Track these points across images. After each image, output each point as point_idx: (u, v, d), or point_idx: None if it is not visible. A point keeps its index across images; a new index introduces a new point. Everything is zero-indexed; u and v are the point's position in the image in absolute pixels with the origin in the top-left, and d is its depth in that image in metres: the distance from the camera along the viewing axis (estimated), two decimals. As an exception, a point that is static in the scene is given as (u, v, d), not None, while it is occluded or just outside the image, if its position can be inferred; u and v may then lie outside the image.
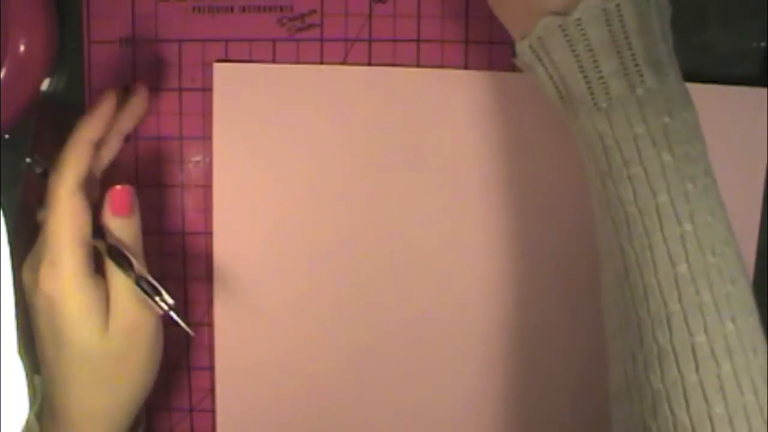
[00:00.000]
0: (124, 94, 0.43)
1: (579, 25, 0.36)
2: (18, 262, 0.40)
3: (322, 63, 0.46)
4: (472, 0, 0.45)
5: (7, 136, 0.46)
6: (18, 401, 0.37)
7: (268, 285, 0.47)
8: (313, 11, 0.45)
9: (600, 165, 0.36)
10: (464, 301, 0.46)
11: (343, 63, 0.46)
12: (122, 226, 0.41)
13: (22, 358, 0.37)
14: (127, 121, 0.43)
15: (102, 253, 0.40)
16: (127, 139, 0.44)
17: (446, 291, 0.47)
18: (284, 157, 0.46)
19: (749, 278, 0.45)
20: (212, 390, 0.48)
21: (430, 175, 0.46)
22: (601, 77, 0.36)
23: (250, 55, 0.46)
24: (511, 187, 0.46)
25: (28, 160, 0.41)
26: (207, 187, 0.46)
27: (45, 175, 0.41)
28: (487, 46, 0.45)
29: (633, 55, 0.35)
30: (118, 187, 0.41)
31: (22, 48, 0.43)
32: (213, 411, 0.48)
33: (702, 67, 0.46)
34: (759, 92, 0.45)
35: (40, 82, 0.46)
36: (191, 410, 0.49)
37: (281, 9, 0.45)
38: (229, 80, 0.45)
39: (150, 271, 0.41)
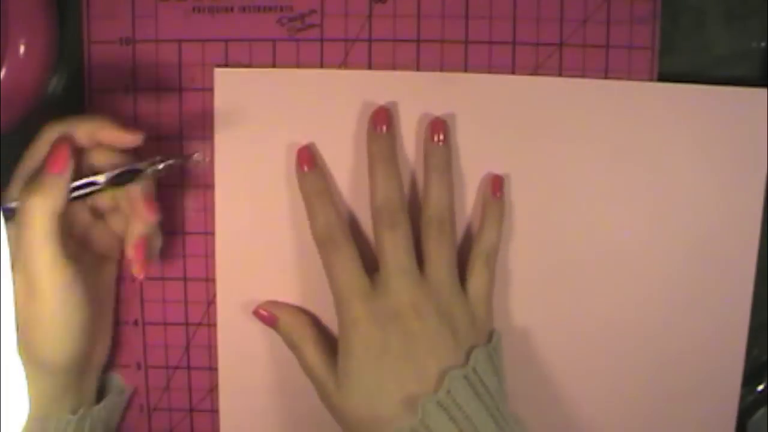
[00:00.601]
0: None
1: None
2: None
3: (321, 64, 0.46)
4: (472, 0, 0.45)
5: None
6: (18, 401, 0.37)
7: (269, 285, 0.47)
8: (313, 11, 0.45)
9: None
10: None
11: (343, 63, 0.46)
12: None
13: (22, 358, 0.37)
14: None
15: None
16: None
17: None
18: (285, 159, 0.46)
19: (750, 278, 0.46)
20: (212, 390, 0.48)
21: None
22: None
23: (250, 55, 0.46)
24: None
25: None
26: (207, 187, 0.46)
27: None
28: (487, 46, 0.45)
29: None
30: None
31: (22, 48, 0.43)
32: (213, 411, 0.48)
33: (702, 67, 0.46)
34: (759, 92, 0.45)
35: (40, 82, 0.46)
36: (191, 410, 0.49)
37: (281, 9, 0.45)
38: (230, 85, 0.45)
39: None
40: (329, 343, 0.45)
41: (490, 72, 0.45)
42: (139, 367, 0.48)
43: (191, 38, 0.46)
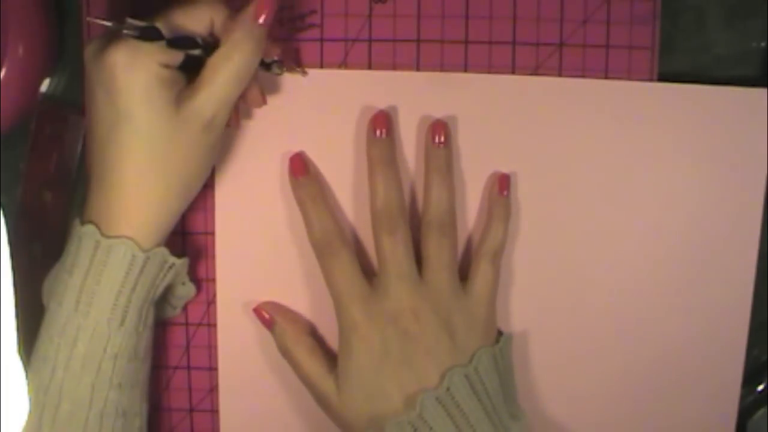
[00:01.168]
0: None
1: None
2: (18, 263, 0.40)
3: (321, 64, 0.46)
4: (472, 0, 0.45)
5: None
6: (18, 401, 0.37)
7: (269, 285, 0.47)
8: (313, 11, 0.45)
9: None
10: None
11: (343, 63, 0.46)
12: None
13: (22, 358, 0.37)
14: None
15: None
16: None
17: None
18: (285, 159, 0.46)
19: (750, 278, 0.46)
20: (212, 390, 0.48)
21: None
22: None
23: (250, 55, 0.46)
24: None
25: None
26: (208, 187, 0.46)
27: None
28: (487, 46, 0.45)
29: None
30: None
31: (21, 48, 0.43)
32: (213, 411, 0.48)
33: (702, 67, 0.46)
34: (759, 92, 0.45)
35: (40, 82, 0.46)
36: (191, 410, 0.49)
37: (281, 9, 0.45)
38: None
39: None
40: (325, 351, 0.45)
41: (490, 72, 0.45)
42: (139, 367, 0.48)
43: (191, 38, 0.46)
